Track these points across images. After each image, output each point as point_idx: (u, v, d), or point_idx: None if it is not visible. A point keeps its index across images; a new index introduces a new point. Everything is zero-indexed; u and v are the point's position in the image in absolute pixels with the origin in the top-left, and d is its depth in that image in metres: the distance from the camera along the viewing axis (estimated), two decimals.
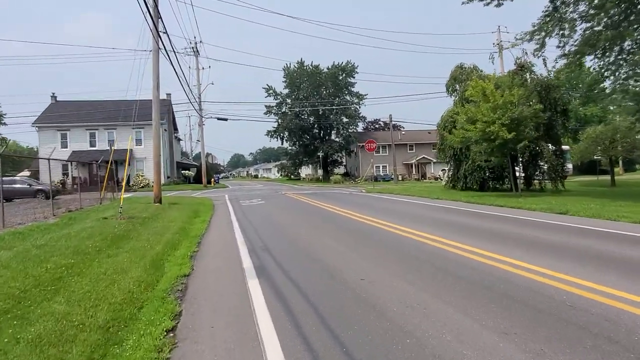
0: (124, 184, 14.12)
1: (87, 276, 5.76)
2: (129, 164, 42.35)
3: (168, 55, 19.43)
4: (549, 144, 23.98)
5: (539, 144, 23.06)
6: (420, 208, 14.83)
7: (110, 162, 17.15)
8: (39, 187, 26.29)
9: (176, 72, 19.56)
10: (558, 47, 21.24)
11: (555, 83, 25.38)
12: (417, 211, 13.84)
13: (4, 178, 28.28)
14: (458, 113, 22.98)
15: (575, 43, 18.76)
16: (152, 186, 41.29)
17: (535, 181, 25.12)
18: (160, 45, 18.74)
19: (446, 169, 53.30)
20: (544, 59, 25.28)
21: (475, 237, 8.36)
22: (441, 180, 48.93)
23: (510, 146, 17.97)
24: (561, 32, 19.41)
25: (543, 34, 17.44)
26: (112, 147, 20.69)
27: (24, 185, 26.18)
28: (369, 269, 6.08)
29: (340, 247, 7.85)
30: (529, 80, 24.62)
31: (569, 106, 27.71)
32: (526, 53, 25.61)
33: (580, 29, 19.80)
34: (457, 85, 26.48)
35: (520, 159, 21.16)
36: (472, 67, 26.32)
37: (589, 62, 21.45)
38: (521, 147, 17.99)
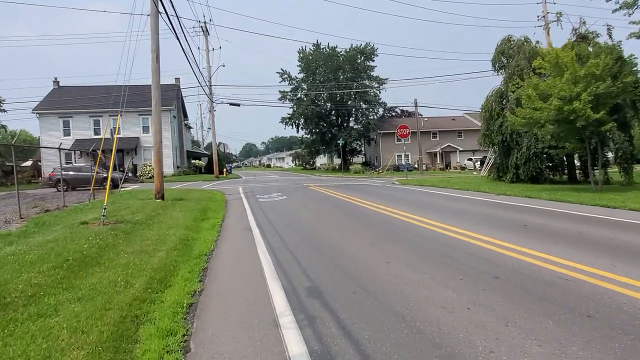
0: (108, 180, 10.98)
1: None
2: (135, 153, 39.74)
3: (170, 22, 16.22)
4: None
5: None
6: (503, 209, 11.33)
7: (100, 150, 14.09)
8: (106, 175, 24.14)
9: (181, 44, 16.41)
10: None
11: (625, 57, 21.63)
12: (505, 215, 10.37)
13: (70, 165, 27.16)
14: (512, 90, 19.40)
15: None
16: (163, 177, 38.72)
17: (596, 172, 21.59)
18: (161, 9, 15.52)
19: (473, 158, 49.58)
20: (608, 28, 21.57)
21: None
22: (470, 170, 45.18)
23: (591, 129, 14.44)
24: None
25: None
26: (114, 135, 17.80)
27: (89, 173, 23.99)
28: None
29: (456, 296, 4.59)
30: (592, 52, 20.98)
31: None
32: (584, 22, 21.84)
33: None
34: (506, 60, 22.82)
35: (592, 146, 17.59)
36: (522, 39, 22.57)
37: None
38: (607, 129, 14.46)
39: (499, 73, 23.02)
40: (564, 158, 20.72)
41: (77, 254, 6.50)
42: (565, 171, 21.62)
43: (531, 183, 20.45)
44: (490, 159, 31.50)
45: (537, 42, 21.89)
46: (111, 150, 27.94)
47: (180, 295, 4.80)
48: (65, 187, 23.43)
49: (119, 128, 39.73)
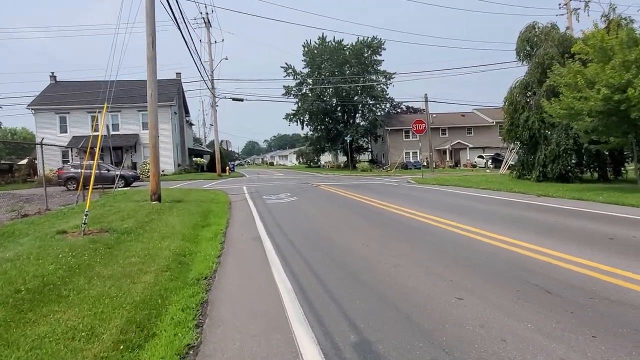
0: (92, 179, 9.41)
1: None
2: (134, 150, 38.16)
3: (169, 5, 14.60)
4: None
5: None
6: (561, 215, 9.55)
7: (89, 147, 12.52)
8: (120, 173, 24.53)
9: (180, 31, 14.83)
10: None
11: None
12: (573, 223, 8.51)
13: (79, 163, 26.71)
14: (547, 77, 17.61)
15: None
16: (160, 176, 37.14)
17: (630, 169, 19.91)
18: None
19: (484, 155, 47.78)
20: None
21: None
22: (481, 167, 43.47)
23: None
24: None
25: None
26: (103, 129, 16.73)
27: (101, 171, 23.53)
28: None
29: None
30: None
31: None
32: (614, 9, 20.10)
33: None
34: (530, 49, 21.06)
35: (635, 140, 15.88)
36: (549, 26, 20.85)
37: None
38: None
39: (524, 63, 21.30)
40: (596, 155, 19.00)
41: (35, 281, 4.90)
42: (597, 169, 19.90)
43: (560, 182, 18.80)
44: (510, 156, 29.82)
45: (568, 27, 20.13)
46: (109, 148, 26.53)
47: (166, 357, 3.20)
48: (75, 186, 22.44)
49: (118, 125, 38.29)
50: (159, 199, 13.52)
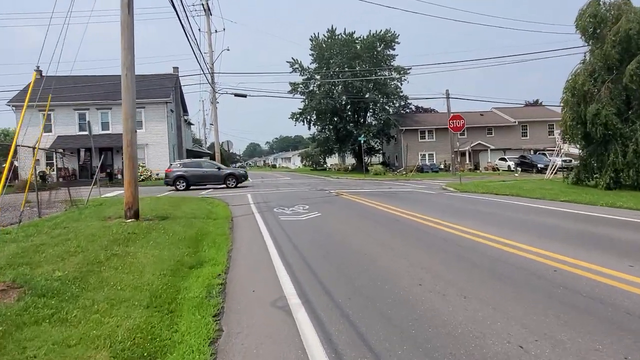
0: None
1: None
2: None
3: None
4: None
5: None
6: None
7: (38, 146, 8.99)
8: (229, 172, 24.48)
9: (176, 10, 11.39)
10: None
11: None
12: None
13: (189, 160, 26.12)
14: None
15: None
16: (154, 179, 33.32)
17: None
18: None
19: (507, 157, 44.00)
20: None
21: None
22: (505, 171, 39.69)
23: None
24: None
25: None
26: (90, 131, 13.50)
27: (212, 169, 24.11)
28: None
29: None
30: None
31: None
32: None
33: None
34: (593, 28, 17.39)
35: None
36: (621, 0, 17.25)
37: None
38: None
39: (589, 43, 17.64)
40: None
41: None
42: None
43: (637, 190, 15.25)
44: (557, 159, 26.17)
45: None
46: (100, 149, 23.15)
47: None
48: (185, 185, 22.40)
49: (108, 123, 34.76)
50: (135, 216, 9.91)
